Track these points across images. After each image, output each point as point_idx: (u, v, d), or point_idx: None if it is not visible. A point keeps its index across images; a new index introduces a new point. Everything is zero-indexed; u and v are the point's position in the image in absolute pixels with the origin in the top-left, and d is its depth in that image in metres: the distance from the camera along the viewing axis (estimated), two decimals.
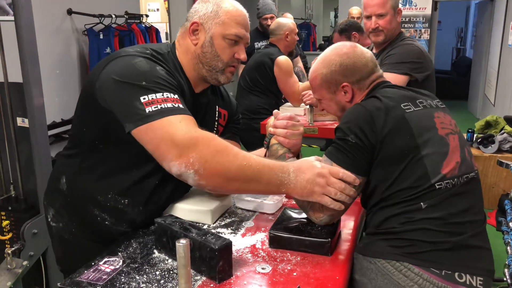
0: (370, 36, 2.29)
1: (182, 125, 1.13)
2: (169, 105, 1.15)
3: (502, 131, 3.64)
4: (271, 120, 1.41)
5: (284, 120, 1.36)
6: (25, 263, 2.19)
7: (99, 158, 1.33)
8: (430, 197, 1.19)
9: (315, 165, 1.18)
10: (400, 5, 2.30)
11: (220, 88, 1.55)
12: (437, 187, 1.20)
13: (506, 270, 2.47)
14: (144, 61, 1.23)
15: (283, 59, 3.04)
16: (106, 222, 1.36)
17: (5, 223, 2.38)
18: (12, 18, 2.12)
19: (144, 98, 1.15)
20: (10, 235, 2.40)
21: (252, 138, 2.94)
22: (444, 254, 1.16)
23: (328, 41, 9.44)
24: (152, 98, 1.15)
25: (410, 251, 1.17)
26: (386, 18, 2.19)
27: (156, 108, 1.14)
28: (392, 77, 2.00)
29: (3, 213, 2.38)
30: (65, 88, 3.75)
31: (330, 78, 1.37)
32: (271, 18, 3.98)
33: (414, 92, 1.37)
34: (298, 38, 3.25)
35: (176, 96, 1.19)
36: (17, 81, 2.26)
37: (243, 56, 1.37)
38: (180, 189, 1.47)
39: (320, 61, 1.41)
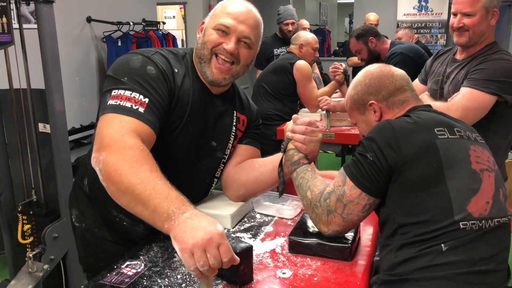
0: (453, 36, 1.99)
1: (116, 126, 1.13)
2: (128, 104, 1.17)
3: None
4: (289, 124, 1.39)
5: (303, 125, 1.33)
6: (45, 266, 2.22)
7: None
8: (452, 238, 1.09)
9: (216, 224, 0.95)
10: (493, 7, 1.89)
11: (240, 92, 1.54)
12: (462, 227, 1.09)
13: None
14: (140, 59, 1.26)
15: (302, 63, 3.05)
16: (124, 223, 1.39)
17: (26, 227, 2.43)
18: (35, 26, 2.18)
19: (114, 92, 1.20)
20: (31, 239, 2.44)
21: (264, 146, 2.95)
22: None
23: (343, 46, 9.42)
24: (119, 94, 1.19)
25: None
26: (474, 18, 1.88)
27: (115, 103, 1.17)
28: (478, 96, 1.81)
29: (25, 217, 2.42)
30: (83, 95, 3.81)
31: (357, 99, 1.37)
32: (292, 24, 3.99)
33: (453, 121, 1.28)
34: (316, 55, 3.24)
35: (146, 99, 1.19)
36: (39, 88, 2.31)
37: (229, 46, 1.28)
38: (195, 192, 1.47)
39: (351, 86, 1.41)
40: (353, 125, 2.98)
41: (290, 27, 3.96)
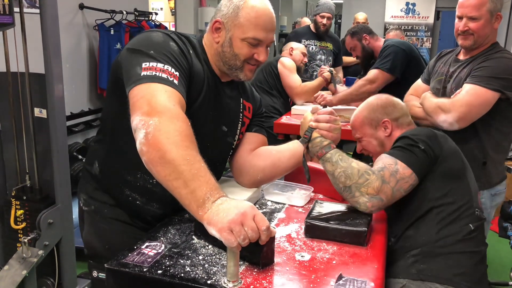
0: (457, 39, 2.01)
1: (164, 95, 1.14)
2: (164, 75, 1.18)
3: None
4: (308, 116, 1.47)
5: (326, 114, 1.43)
6: (40, 252, 2.20)
7: (125, 138, 1.35)
8: (474, 220, 1.43)
9: (244, 201, 1.03)
10: (497, 11, 1.95)
11: (244, 81, 1.56)
12: (476, 212, 1.45)
13: None
14: (161, 35, 1.29)
15: (286, 59, 3.34)
16: (137, 202, 1.41)
17: (19, 212, 2.39)
18: (38, 10, 2.14)
19: (145, 64, 1.19)
20: (23, 224, 2.40)
21: None
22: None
23: None
24: (152, 65, 1.19)
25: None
26: (479, 22, 1.91)
27: (151, 74, 1.17)
28: (482, 92, 1.85)
29: (17, 202, 2.38)
30: (73, 83, 3.75)
31: (373, 116, 1.64)
32: (328, 18, 3.90)
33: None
34: (305, 60, 3.51)
35: (177, 73, 1.21)
36: (38, 72, 2.27)
37: (262, 57, 1.36)
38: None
39: (364, 106, 1.68)
40: (348, 122, 3.08)
41: (325, 21, 3.89)
